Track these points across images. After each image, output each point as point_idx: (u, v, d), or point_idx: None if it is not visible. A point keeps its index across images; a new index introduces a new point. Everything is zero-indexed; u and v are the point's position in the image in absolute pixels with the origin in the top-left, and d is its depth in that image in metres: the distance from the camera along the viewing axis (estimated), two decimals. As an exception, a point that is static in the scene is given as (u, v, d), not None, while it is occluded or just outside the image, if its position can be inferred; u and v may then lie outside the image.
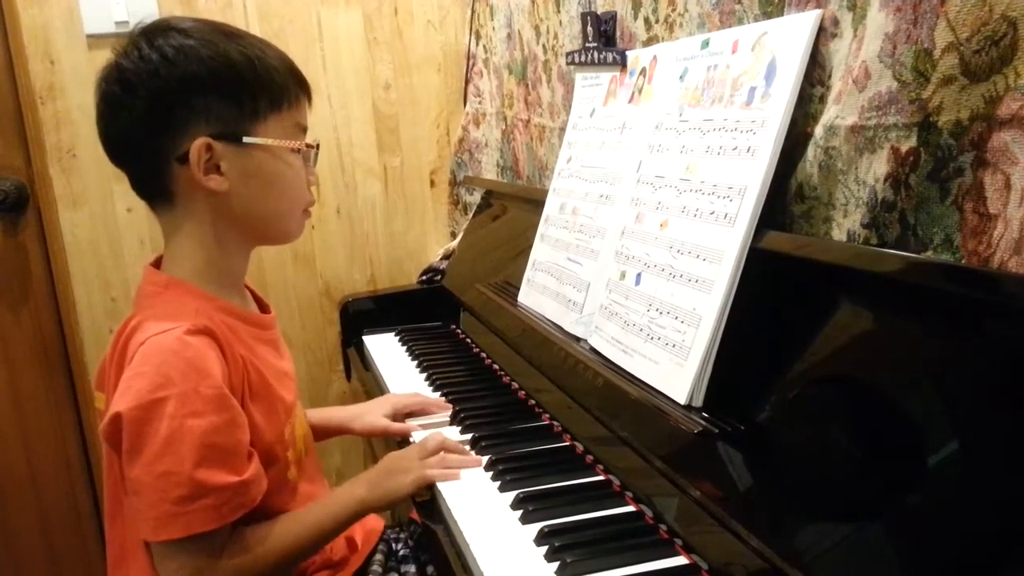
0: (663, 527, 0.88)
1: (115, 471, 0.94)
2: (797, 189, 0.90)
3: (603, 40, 1.32)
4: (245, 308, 1.05)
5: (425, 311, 1.83)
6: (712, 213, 0.94)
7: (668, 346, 0.96)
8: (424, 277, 1.96)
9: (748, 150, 0.91)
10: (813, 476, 0.77)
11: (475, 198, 2.07)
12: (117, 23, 1.92)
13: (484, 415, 1.24)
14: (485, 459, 1.07)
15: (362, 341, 1.76)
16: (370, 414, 1.29)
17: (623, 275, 1.10)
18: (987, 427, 0.65)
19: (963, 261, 0.72)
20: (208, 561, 0.89)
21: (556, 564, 0.83)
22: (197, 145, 0.93)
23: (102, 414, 0.96)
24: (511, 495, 0.97)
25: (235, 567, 0.91)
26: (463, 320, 1.73)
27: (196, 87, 0.94)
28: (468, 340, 1.64)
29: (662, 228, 1.03)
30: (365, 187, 2.18)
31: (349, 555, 1.12)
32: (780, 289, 0.88)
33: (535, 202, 1.50)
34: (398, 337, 1.74)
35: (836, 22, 0.86)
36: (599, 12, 1.34)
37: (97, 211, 2.01)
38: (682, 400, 0.91)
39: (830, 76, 0.87)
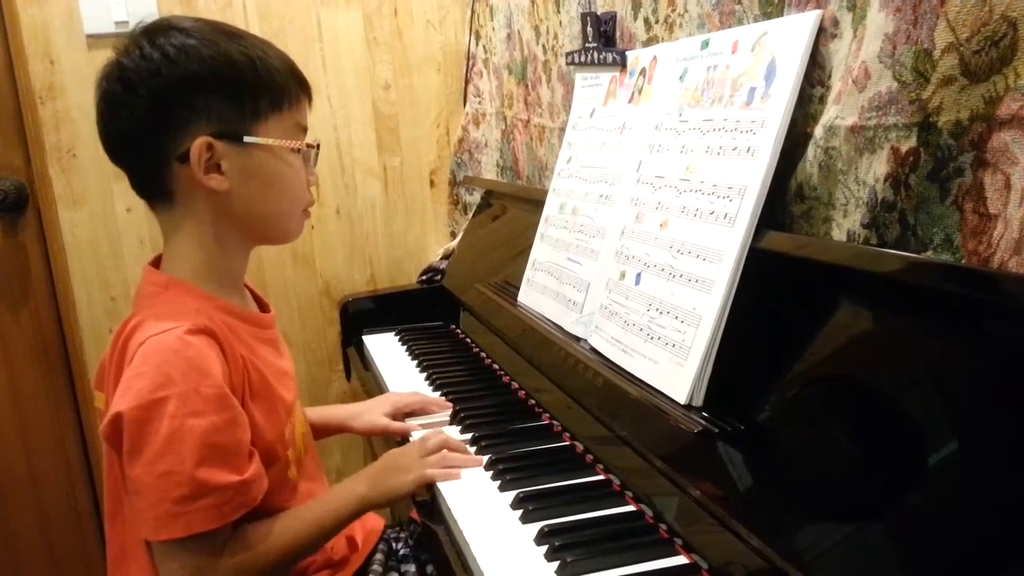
0: (663, 527, 0.88)
1: (115, 471, 0.94)
2: (797, 189, 0.90)
3: (603, 40, 1.32)
4: (245, 308, 1.05)
5: (425, 311, 1.83)
6: (712, 213, 0.94)
7: (668, 346, 0.96)
8: (424, 277, 1.96)
9: (748, 150, 0.91)
10: (813, 476, 0.77)
11: (475, 198, 2.07)
12: (117, 23, 1.92)
13: (484, 415, 1.24)
14: (485, 459, 1.07)
15: (362, 341, 1.76)
16: (370, 413, 1.29)
17: (623, 275, 1.10)
18: (987, 427, 0.65)
19: (963, 261, 0.72)
20: (209, 560, 0.89)
21: (556, 563, 0.83)
22: (198, 144, 0.93)
23: (102, 414, 0.96)
24: (511, 494, 0.97)
25: (236, 565, 0.91)
26: (463, 320, 1.73)
27: (197, 86, 0.94)
28: (468, 340, 1.64)
29: (662, 228, 1.03)
30: (365, 187, 2.18)
31: (349, 554, 1.12)
32: (780, 289, 0.88)
33: (535, 202, 1.50)
34: (398, 337, 1.74)
35: (836, 22, 0.86)
36: (599, 12, 1.34)
37: (97, 211, 2.01)
38: (682, 400, 0.91)
39: (830, 76, 0.87)
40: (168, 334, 0.91)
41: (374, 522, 1.19)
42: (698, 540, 0.83)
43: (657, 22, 1.22)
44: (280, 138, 0.98)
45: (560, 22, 1.56)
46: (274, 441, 0.99)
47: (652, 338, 0.99)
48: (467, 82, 2.15)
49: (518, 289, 1.44)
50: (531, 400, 1.28)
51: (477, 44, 2.08)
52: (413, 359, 1.58)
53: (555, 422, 1.18)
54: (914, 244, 0.76)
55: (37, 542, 2.10)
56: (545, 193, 1.44)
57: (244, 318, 1.02)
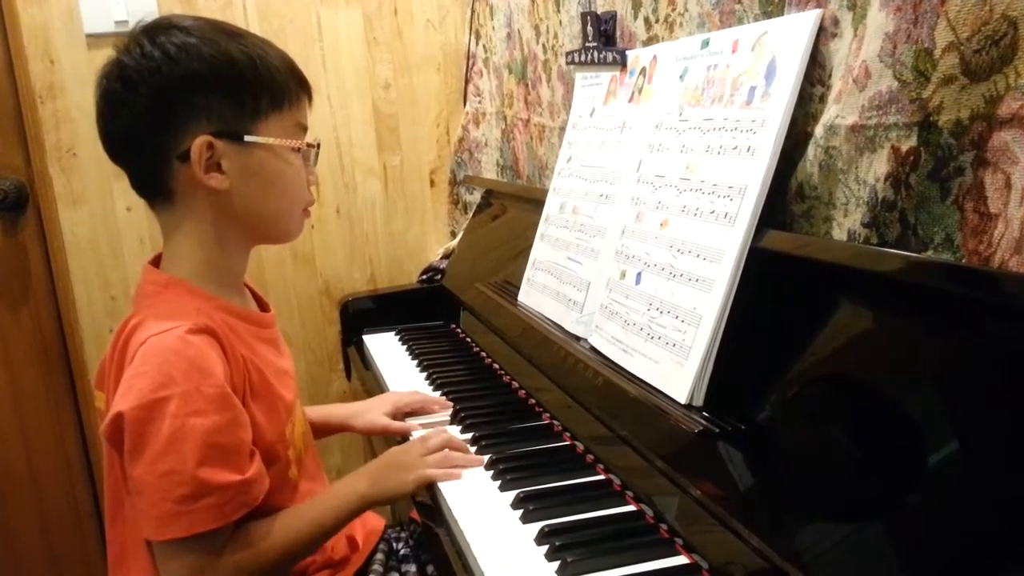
0: (663, 526, 0.88)
1: (116, 471, 0.94)
2: (797, 188, 0.90)
3: (603, 40, 1.32)
4: (245, 307, 1.05)
5: (425, 310, 1.83)
6: (712, 212, 0.94)
7: (668, 345, 0.96)
8: (424, 276, 1.96)
9: (748, 149, 0.91)
10: (813, 476, 0.77)
11: (475, 197, 2.07)
12: (117, 22, 1.92)
13: (484, 414, 1.24)
14: (485, 458, 1.07)
15: (362, 340, 1.76)
16: (370, 412, 1.29)
17: (623, 274, 1.10)
18: (988, 427, 0.65)
19: (963, 260, 0.72)
20: (210, 559, 0.89)
21: (557, 563, 0.83)
22: (198, 143, 0.93)
23: (102, 413, 0.96)
24: (511, 494, 0.97)
25: (237, 564, 0.91)
26: (463, 319, 1.73)
27: (198, 85, 0.94)
28: (468, 339, 1.64)
29: (662, 227, 1.03)
30: (365, 187, 2.18)
31: (350, 554, 1.12)
32: (780, 288, 0.88)
33: (535, 201, 1.50)
34: (398, 336, 1.74)
35: (836, 22, 0.86)
36: (599, 12, 1.34)
37: (97, 210, 2.01)
38: (682, 399, 0.91)
39: (830, 76, 0.87)
40: (169, 334, 0.91)
41: (374, 522, 1.19)
42: (698, 540, 0.83)
43: (657, 21, 1.22)
44: (280, 137, 0.98)
45: (560, 21, 1.56)
46: (275, 441, 0.99)
47: (652, 337, 0.99)
48: (467, 81, 2.15)
49: (518, 289, 1.44)
50: (531, 400, 1.28)
51: (477, 43, 2.08)
52: (413, 359, 1.58)
53: (555, 422, 1.18)
54: (914, 243, 0.76)
55: (37, 542, 2.10)
56: (545, 192, 1.44)
57: (244, 317, 1.02)
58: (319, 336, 2.20)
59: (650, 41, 1.24)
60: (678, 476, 0.87)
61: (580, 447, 1.09)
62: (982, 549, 0.61)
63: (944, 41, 0.70)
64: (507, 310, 1.44)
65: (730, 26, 1.03)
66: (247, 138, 0.96)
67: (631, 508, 0.94)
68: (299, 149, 1.01)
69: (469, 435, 1.15)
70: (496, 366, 1.45)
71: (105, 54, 0.97)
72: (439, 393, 1.36)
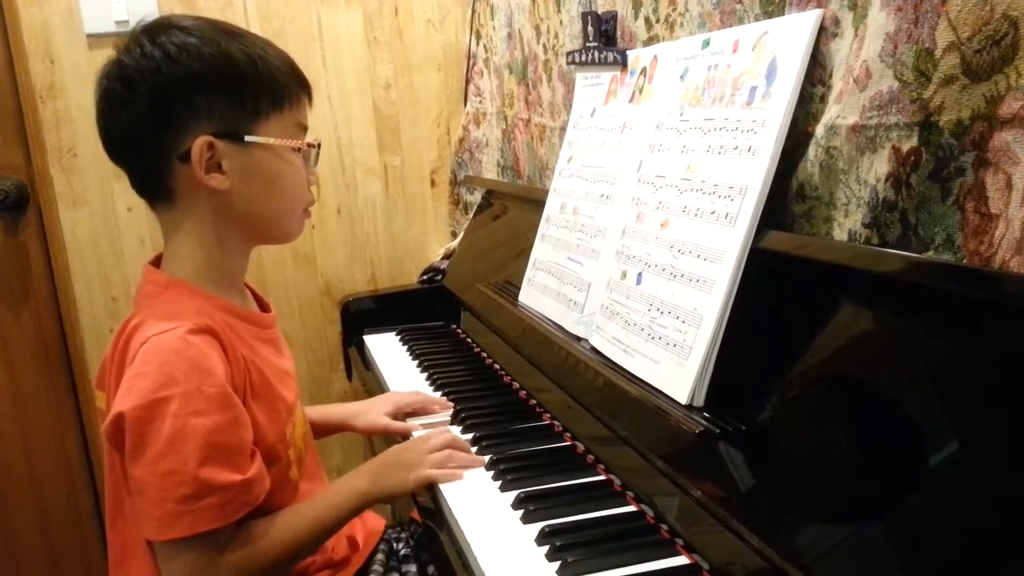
0: (664, 527, 0.88)
1: (116, 471, 0.94)
2: (798, 189, 0.90)
3: (604, 40, 1.32)
4: (245, 307, 1.05)
5: (426, 311, 1.83)
6: (713, 213, 0.94)
7: (669, 346, 0.96)
8: (425, 277, 1.96)
9: (749, 150, 0.91)
10: (814, 476, 0.77)
11: (476, 198, 2.07)
12: (117, 22, 1.92)
13: (485, 415, 1.24)
14: (486, 459, 1.07)
15: (363, 340, 1.76)
16: (371, 412, 1.29)
17: (624, 275, 1.10)
18: (988, 427, 0.65)
19: (964, 261, 0.72)
20: (211, 559, 0.89)
21: (557, 564, 0.83)
22: (199, 143, 0.93)
23: (103, 413, 0.96)
24: (512, 495, 0.97)
25: (238, 563, 0.91)
26: (464, 320, 1.73)
27: (198, 85, 0.94)
28: (469, 340, 1.64)
29: (663, 228, 1.03)
30: (365, 187, 2.18)
31: (350, 555, 1.12)
32: (781, 289, 0.88)
33: (536, 202, 1.50)
34: (399, 337, 1.74)
35: (837, 21, 0.86)
36: (599, 12, 1.34)
37: (97, 210, 2.01)
38: (683, 400, 0.91)
39: (831, 76, 0.87)
40: (170, 334, 0.91)
41: (375, 522, 1.19)
42: (699, 540, 0.83)
43: (658, 21, 1.22)
44: (281, 137, 0.98)
45: (561, 21, 1.56)
46: (275, 441, 0.99)
47: (653, 338, 0.99)
48: (468, 81, 2.15)
49: (519, 289, 1.44)
50: (532, 400, 1.28)
51: (478, 43, 2.08)
52: (414, 359, 1.58)
53: (556, 422, 1.18)
54: (915, 244, 0.76)
55: (37, 542, 2.10)
56: (546, 193, 1.44)
57: (245, 318, 1.02)
58: (320, 336, 2.20)
59: (651, 41, 1.24)
60: (679, 476, 0.87)
61: (581, 447, 1.09)
62: (983, 549, 0.61)
63: (945, 41, 0.70)
64: (508, 310, 1.44)
65: (731, 26, 1.03)
66: (248, 138, 0.96)
67: (632, 508, 0.94)
68: (299, 149, 1.01)
69: (470, 435, 1.15)
70: (497, 366, 1.45)
71: (106, 54, 0.97)
72: (440, 393, 1.36)
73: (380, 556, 1.14)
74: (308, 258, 2.16)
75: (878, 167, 0.79)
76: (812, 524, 0.74)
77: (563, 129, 1.47)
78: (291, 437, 1.03)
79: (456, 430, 1.20)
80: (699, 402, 0.91)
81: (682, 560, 0.83)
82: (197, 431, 0.87)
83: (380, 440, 1.39)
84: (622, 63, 1.27)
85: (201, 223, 0.98)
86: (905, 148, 0.76)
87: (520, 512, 0.94)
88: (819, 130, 0.86)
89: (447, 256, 1.98)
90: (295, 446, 1.05)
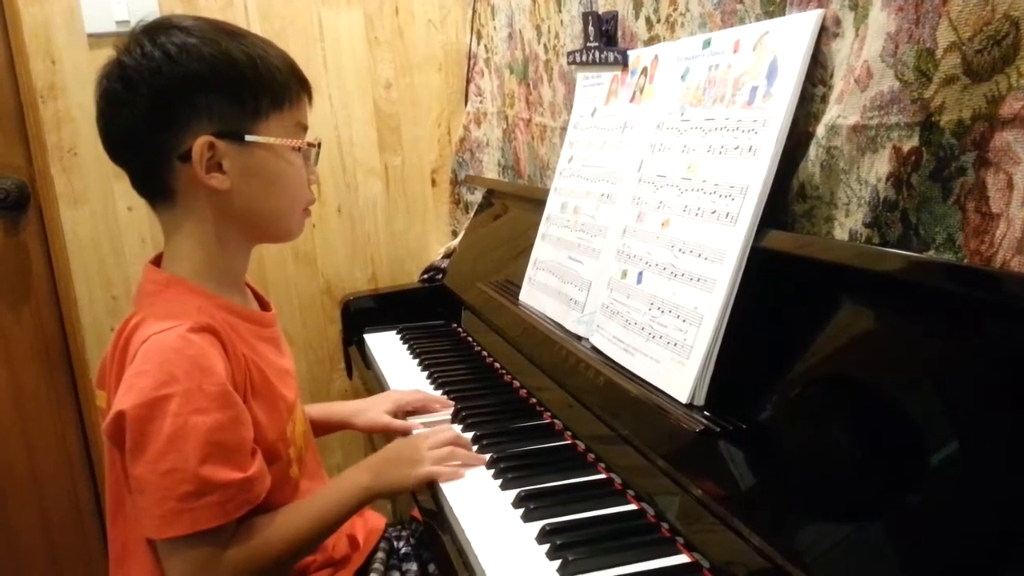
0: (665, 525, 0.88)
1: (117, 469, 0.95)
2: (799, 188, 0.90)
3: (604, 40, 1.32)
4: (246, 306, 1.05)
5: (426, 310, 1.83)
6: (714, 212, 0.94)
7: (670, 345, 0.96)
8: (425, 276, 1.96)
9: (750, 149, 0.91)
10: (815, 475, 0.77)
11: (476, 197, 2.07)
12: (118, 22, 1.92)
13: (485, 413, 1.24)
14: (487, 457, 1.07)
15: (363, 339, 1.76)
16: (372, 410, 1.29)
17: (625, 274, 1.10)
18: (989, 427, 0.65)
19: (965, 260, 0.72)
20: (213, 557, 0.89)
21: (558, 562, 0.83)
22: (200, 143, 0.93)
23: (104, 412, 0.96)
24: (512, 493, 0.97)
25: (239, 561, 0.91)
26: (464, 319, 1.73)
27: (198, 85, 0.94)
28: (469, 339, 1.64)
29: (664, 227, 1.03)
30: (366, 186, 2.18)
31: (351, 553, 1.12)
32: (782, 288, 0.88)
33: (536, 201, 1.50)
34: (399, 335, 1.74)
35: (838, 21, 0.86)
36: (600, 12, 1.34)
37: (98, 209, 2.02)
38: (684, 399, 0.91)
39: (832, 76, 0.87)
40: (170, 332, 0.91)
41: (375, 521, 1.19)
42: (699, 539, 0.83)
43: (659, 21, 1.22)
44: (281, 137, 0.98)
45: (561, 21, 1.56)
46: (276, 440, 0.99)
47: (654, 337, 0.99)
48: (468, 81, 2.15)
49: (519, 288, 1.44)
50: (532, 399, 1.28)
51: (478, 43, 2.08)
52: (414, 358, 1.58)
53: (556, 421, 1.18)
54: (916, 243, 0.76)
55: (38, 540, 2.10)
56: (546, 192, 1.44)
57: (245, 317, 1.02)
58: (320, 335, 2.20)
59: (651, 41, 1.24)
60: (679, 475, 0.87)
61: (581, 446, 1.09)
62: (984, 549, 0.61)
63: (946, 41, 0.70)
64: (508, 309, 1.44)
65: (731, 26, 1.03)
66: (248, 138, 0.96)
67: (632, 507, 0.94)
68: (300, 148, 1.01)
69: (470, 434, 1.15)
70: (497, 365, 1.45)
71: (106, 54, 0.97)
72: (440, 392, 1.36)
73: (381, 554, 1.14)
74: (309, 257, 2.16)
75: (879, 167, 0.79)
76: (813, 523, 0.74)
77: (564, 129, 1.47)
78: (291, 435, 1.04)
79: (457, 429, 1.20)
80: (700, 401, 0.91)
81: (683, 559, 0.83)
82: (198, 429, 0.87)
83: (381, 438, 1.39)
84: (623, 63, 1.27)
85: (202, 222, 0.98)
86: (906, 148, 0.76)
87: (521, 510, 0.94)
88: (820, 130, 0.86)
89: (448, 255, 1.98)
90: (295, 444, 1.05)
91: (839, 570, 0.68)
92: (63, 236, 2.00)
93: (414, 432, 1.21)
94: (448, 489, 1.01)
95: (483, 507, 0.97)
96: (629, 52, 1.26)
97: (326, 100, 2.10)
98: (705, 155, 0.99)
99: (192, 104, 0.94)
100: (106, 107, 0.97)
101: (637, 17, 1.27)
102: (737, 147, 0.93)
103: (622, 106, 1.26)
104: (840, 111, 0.83)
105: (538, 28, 1.67)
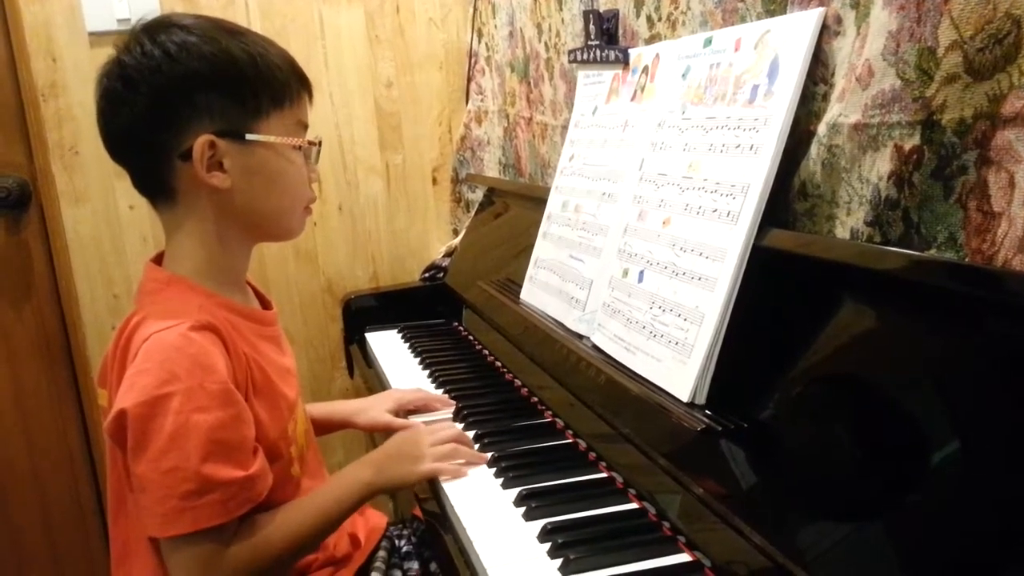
0: (666, 524, 0.88)
1: (119, 468, 0.95)
2: (800, 187, 0.90)
3: (605, 38, 1.32)
4: (247, 305, 1.05)
5: (427, 308, 1.83)
6: (715, 211, 0.94)
7: (671, 343, 0.96)
8: (426, 274, 1.96)
9: (751, 148, 0.91)
10: (816, 474, 0.77)
11: (477, 196, 2.07)
12: (119, 20, 1.92)
13: (486, 412, 1.24)
14: (489, 456, 1.07)
15: (364, 338, 1.76)
16: (373, 409, 1.29)
17: (626, 272, 1.10)
18: (991, 426, 0.65)
19: (967, 259, 0.72)
20: (216, 554, 0.89)
21: (559, 561, 0.83)
22: (200, 142, 0.93)
23: (105, 411, 0.96)
24: (514, 492, 0.97)
25: (242, 558, 0.91)
26: (465, 317, 1.73)
27: (198, 84, 0.94)
28: (470, 337, 1.64)
29: (665, 226, 1.03)
30: (367, 184, 2.18)
31: (352, 552, 1.12)
32: (783, 287, 0.88)
33: (537, 200, 1.50)
34: (401, 334, 1.74)
35: (839, 20, 0.86)
36: (601, 10, 1.34)
37: (99, 208, 2.02)
38: (685, 397, 0.91)
39: (833, 74, 0.87)
40: (171, 331, 0.91)
41: (377, 519, 1.19)
42: (701, 538, 0.83)
43: (660, 20, 1.21)
44: (282, 135, 0.98)
45: (562, 19, 1.56)
46: (277, 438, 0.99)
47: (655, 336, 0.99)
48: (469, 80, 2.15)
49: (520, 287, 1.44)
50: (534, 398, 1.28)
51: (479, 42, 2.08)
52: (416, 356, 1.58)
53: (558, 420, 1.18)
54: (917, 242, 0.76)
55: (40, 539, 2.10)
56: (548, 191, 1.44)
57: (246, 315, 1.02)
58: (321, 334, 2.20)
59: (652, 39, 1.24)
60: (680, 474, 0.87)
61: (582, 445, 1.09)
62: (987, 548, 0.61)
63: (947, 40, 0.70)
64: (509, 308, 1.44)
65: (733, 24, 1.03)
66: (248, 136, 0.96)
67: (633, 506, 0.94)
68: (301, 147, 1.01)
69: (471, 433, 1.15)
70: (498, 364, 1.45)
71: (107, 52, 0.97)
72: (441, 391, 1.36)
73: (382, 553, 1.14)
74: (310, 256, 2.16)
75: (880, 165, 0.79)
76: (814, 522, 0.74)
77: (565, 127, 1.47)
78: (293, 434, 1.04)
79: (458, 427, 1.20)
80: (701, 400, 0.91)
81: (684, 557, 0.83)
82: (199, 427, 0.87)
83: (382, 437, 1.39)
84: (624, 61, 1.27)
85: (202, 221, 0.98)
86: (907, 146, 0.76)
87: (522, 509, 0.94)
88: (821, 128, 0.86)
89: (449, 254, 1.98)
90: (297, 443, 1.05)
91: (840, 569, 0.68)
92: (64, 235, 2.00)
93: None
94: (450, 488, 1.01)
95: (484, 506, 0.97)
96: (630, 50, 1.26)
97: (327, 98, 2.10)
98: (706, 154, 0.98)
99: (192, 103, 0.94)
100: (106, 106, 0.97)
101: (638, 15, 1.27)
102: (738, 146, 0.93)
103: (623, 104, 1.26)
104: (841, 109, 0.83)
105: (539, 26, 1.67)
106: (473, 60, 2.12)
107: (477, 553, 0.87)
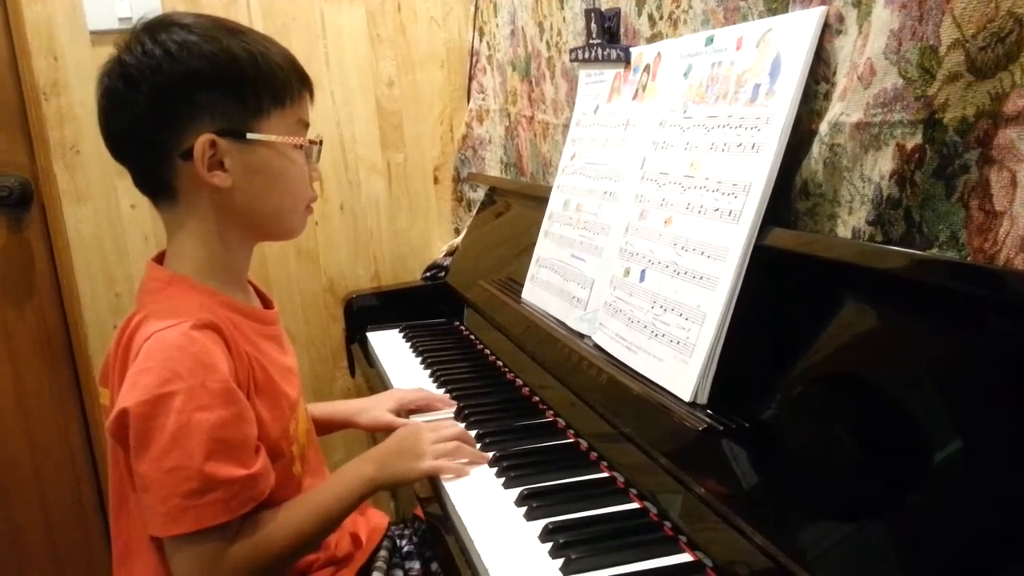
0: (667, 524, 0.88)
1: (120, 467, 0.95)
2: (802, 186, 0.90)
3: (607, 37, 1.32)
4: (248, 304, 1.05)
5: (429, 308, 1.83)
6: (717, 210, 0.94)
7: (672, 343, 0.96)
8: (428, 274, 1.96)
9: (753, 147, 0.91)
10: (818, 474, 0.77)
11: (479, 195, 2.07)
12: (120, 19, 1.92)
13: (488, 411, 1.24)
14: (490, 455, 1.07)
15: (366, 337, 1.76)
16: (375, 409, 1.29)
17: (627, 272, 1.10)
18: (992, 425, 0.64)
19: (968, 258, 0.72)
20: (218, 553, 0.89)
21: (560, 560, 0.83)
22: (201, 141, 0.93)
23: (107, 410, 0.96)
24: (515, 491, 0.97)
25: (244, 556, 0.91)
26: (467, 317, 1.73)
27: (199, 83, 0.93)
28: (472, 337, 1.64)
29: (666, 225, 1.03)
30: (369, 183, 2.18)
31: (353, 551, 1.12)
32: (785, 286, 0.88)
33: (539, 199, 1.50)
34: (402, 334, 1.74)
35: (841, 19, 0.85)
36: (603, 9, 1.34)
37: (101, 207, 2.02)
38: (686, 397, 0.91)
39: (835, 73, 0.87)
40: (173, 330, 0.91)
41: (378, 519, 1.19)
42: (702, 537, 0.83)
43: (661, 18, 1.21)
44: (283, 134, 0.98)
45: (564, 18, 1.56)
46: (279, 437, 0.99)
47: (656, 335, 0.99)
48: (471, 78, 2.15)
49: (522, 286, 1.44)
50: (535, 397, 1.28)
51: (481, 40, 2.07)
52: (417, 356, 1.58)
53: (559, 419, 1.18)
54: (919, 241, 0.76)
55: (41, 538, 2.11)
56: (549, 190, 1.44)
57: (248, 314, 1.02)
58: (323, 333, 2.20)
59: (654, 38, 1.24)
60: (682, 473, 0.87)
61: (584, 444, 1.09)
62: (989, 547, 0.61)
63: (949, 38, 0.70)
64: (511, 307, 1.44)
65: (734, 23, 1.03)
66: (250, 135, 0.96)
67: (635, 505, 0.94)
68: (302, 146, 1.01)
69: (473, 432, 1.15)
70: (500, 363, 1.45)
71: (109, 51, 0.97)
72: (443, 390, 1.36)
73: (383, 553, 1.14)
74: (311, 255, 2.16)
75: (882, 164, 0.79)
76: (816, 522, 0.74)
77: (566, 126, 1.47)
78: (294, 433, 1.04)
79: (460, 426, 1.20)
80: (702, 399, 0.91)
81: (685, 557, 0.83)
82: (202, 426, 0.87)
83: (383, 437, 1.39)
84: (625, 60, 1.27)
85: (204, 220, 0.98)
86: (909, 145, 0.76)
87: (523, 509, 0.94)
88: (823, 127, 0.86)
89: (450, 253, 1.98)
90: (298, 442, 1.05)
91: (842, 569, 0.68)
92: (66, 233, 2.01)
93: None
94: (451, 487, 1.01)
95: (486, 506, 0.97)
96: (632, 49, 1.26)
97: (328, 97, 2.10)
98: (708, 152, 0.98)
99: (193, 102, 0.94)
100: (107, 105, 0.97)
101: (640, 14, 1.26)
102: (740, 144, 0.93)
103: (625, 103, 1.25)
104: (843, 108, 0.83)
105: (540, 25, 1.67)
106: (474, 59, 2.12)
107: (478, 553, 0.87)
